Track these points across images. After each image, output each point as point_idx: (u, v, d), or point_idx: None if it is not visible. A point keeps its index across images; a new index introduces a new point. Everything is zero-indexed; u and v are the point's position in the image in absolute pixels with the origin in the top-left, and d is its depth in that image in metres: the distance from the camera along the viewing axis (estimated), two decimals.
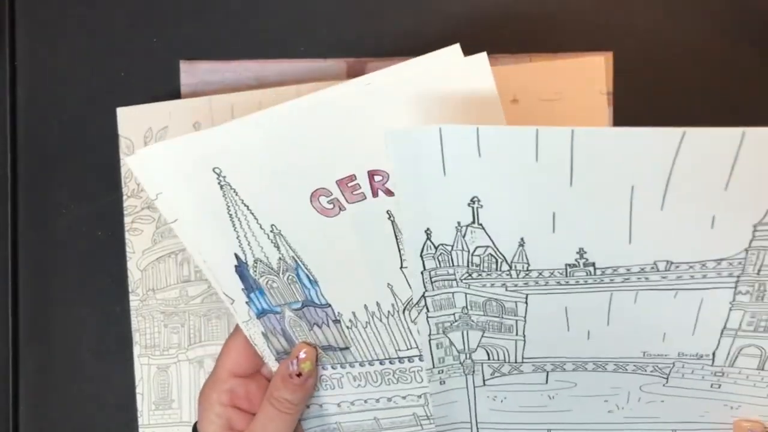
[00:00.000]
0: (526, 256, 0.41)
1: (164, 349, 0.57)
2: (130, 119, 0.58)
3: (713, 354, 0.43)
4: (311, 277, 0.45)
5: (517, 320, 0.44)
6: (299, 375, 0.47)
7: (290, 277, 0.45)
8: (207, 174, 0.43)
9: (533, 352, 0.45)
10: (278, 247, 0.45)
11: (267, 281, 0.46)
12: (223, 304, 0.56)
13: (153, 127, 0.58)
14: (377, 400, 0.49)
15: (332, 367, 0.48)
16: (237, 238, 0.45)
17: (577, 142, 0.37)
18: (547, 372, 0.46)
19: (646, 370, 0.45)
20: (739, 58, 0.58)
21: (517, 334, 0.45)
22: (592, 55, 0.56)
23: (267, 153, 0.42)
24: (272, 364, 0.49)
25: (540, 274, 0.42)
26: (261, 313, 0.47)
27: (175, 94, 0.59)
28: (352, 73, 0.57)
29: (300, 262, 0.45)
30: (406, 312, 0.46)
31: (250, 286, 0.46)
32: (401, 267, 0.44)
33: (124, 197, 0.58)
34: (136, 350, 0.58)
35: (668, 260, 0.40)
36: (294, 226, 0.44)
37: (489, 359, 0.46)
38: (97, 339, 0.59)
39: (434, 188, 0.40)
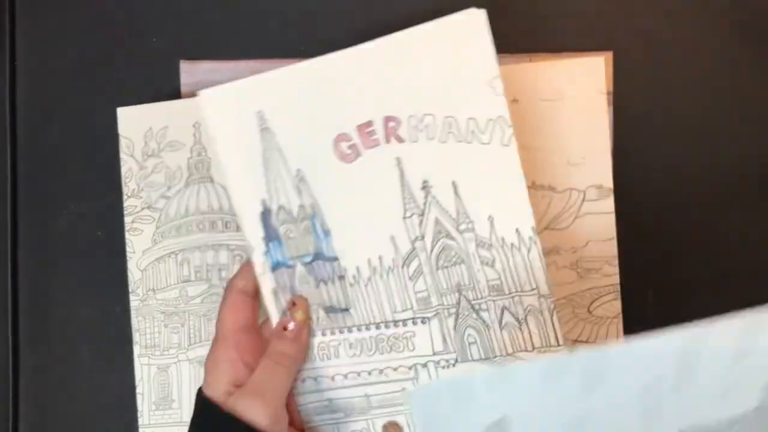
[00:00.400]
0: None
1: (164, 349, 0.58)
2: (131, 119, 0.58)
3: None
4: (324, 228, 0.50)
5: None
6: (292, 328, 0.49)
7: (306, 226, 0.50)
8: (252, 118, 0.49)
9: None
10: (300, 194, 0.50)
11: (286, 230, 0.50)
12: None
13: (153, 127, 0.58)
14: (369, 373, 0.51)
15: (331, 333, 0.51)
16: (266, 183, 0.50)
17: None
18: None
19: None
20: (739, 58, 0.58)
21: None
22: (592, 55, 0.56)
23: (304, 100, 0.49)
24: (276, 322, 0.51)
25: None
26: (275, 266, 0.50)
27: (175, 93, 0.59)
28: None
29: (317, 211, 0.50)
30: (405, 267, 0.50)
31: (270, 235, 0.50)
32: (404, 217, 0.49)
33: (124, 197, 0.58)
34: (137, 350, 0.58)
35: None
36: (316, 171, 0.49)
37: None
38: (98, 339, 0.59)
39: None
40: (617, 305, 0.56)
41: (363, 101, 0.48)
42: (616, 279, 0.55)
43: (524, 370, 0.40)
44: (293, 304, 0.50)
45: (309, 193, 0.50)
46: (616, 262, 0.55)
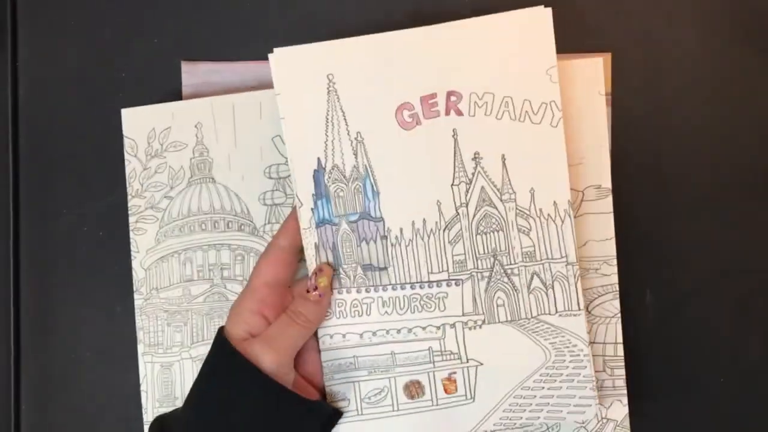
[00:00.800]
0: None
1: (167, 348, 0.58)
2: (134, 120, 0.58)
3: None
4: (375, 189, 0.53)
5: None
6: (315, 290, 0.52)
7: (357, 186, 0.53)
8: (321, 79, 0.53)
9: None
10: (356, 155, 0.53)
11: (336, 189, 0.54)
12: (224, 303, 0.57)
13: (156, 128, 0.58)
14: (398, 331, 0.54)
15: (366, 291, 0.54)
16: (325, 142, 0.53)
17: None
18: None
19: None
20: (739, 58, 0.58)
21: None
22: (591, 55, 0.56)
23: (373, 68, 0.52)
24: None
25: None
26: (320, 223, 0.54)
27: (176, 94, 0.59)
28: None
29: (370, 172, 0.53)
30: (446, 231, 0.53)
31: (320, 193, 0.54)
32: (453, 184, 0.53)
33: (129, 197, 0.58)
34: (140, 348, 0.58)
35: None
36: (376, 134, 0.53)
37: None
38: (101, 337, 0.59)
39: None
40: (616, 305, 0.56)
41: (429, 75, 0.53)
42: (615, 278, 0.56)
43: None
44: (320, 270, 0.53)
45: (365, 155, 0.53)
46: (615, 261, 0.56)
